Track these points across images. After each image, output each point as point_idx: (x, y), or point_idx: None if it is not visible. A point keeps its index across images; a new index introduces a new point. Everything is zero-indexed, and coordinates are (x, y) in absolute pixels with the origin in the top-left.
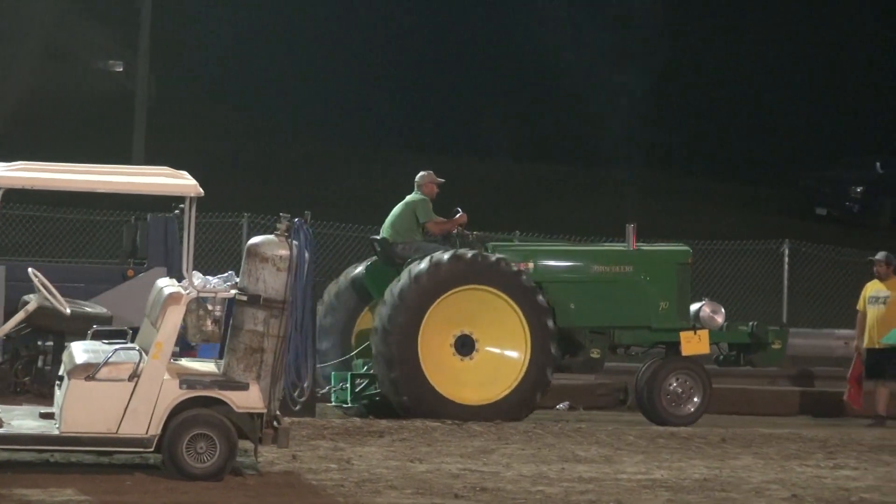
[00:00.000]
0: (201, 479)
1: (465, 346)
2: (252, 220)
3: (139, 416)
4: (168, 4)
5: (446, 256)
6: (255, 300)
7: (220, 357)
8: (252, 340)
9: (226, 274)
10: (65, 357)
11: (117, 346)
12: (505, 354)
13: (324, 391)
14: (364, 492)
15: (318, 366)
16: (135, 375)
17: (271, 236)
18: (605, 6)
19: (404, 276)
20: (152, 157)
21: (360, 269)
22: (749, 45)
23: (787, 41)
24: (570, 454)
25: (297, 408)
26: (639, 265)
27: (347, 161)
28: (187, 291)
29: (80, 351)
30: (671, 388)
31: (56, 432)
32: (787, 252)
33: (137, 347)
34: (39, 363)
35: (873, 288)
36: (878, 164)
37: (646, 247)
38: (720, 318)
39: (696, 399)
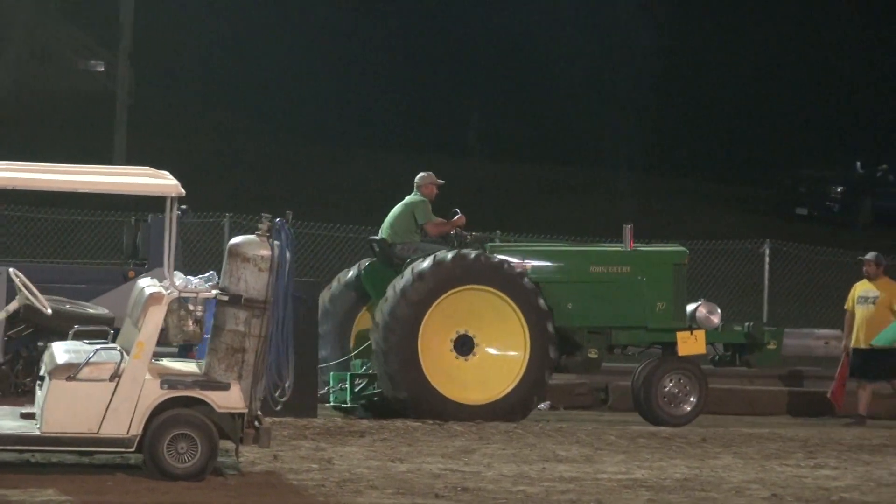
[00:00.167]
0: (182, 480)
1: (464, 345)
2: (233, 220)
3: (120, 416)
4: (149, 4)
5: (450, 255)
6: (236, 300)
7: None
8: (233, 340)
9: (207, 274)
10: (46, 357)
11: (99, 346)
12: (504, 354)
13: (323, 392)
14: (345, 492)
15: (319, 367)
16: (116, 375)
17: (253, 236)
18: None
19: (407, 274)
20: (133, 157)
21: (352, 272)
22: (729, 47)
23: (767, 42)
24: (550, 454)
25: (279, 407)
26: (636, 266)
27: (332, 161)
28: (169, 292)
29: (62, 351)
30: (667, 388)
31: (37, 432)
32: (767, 252)
33: (119, 347)
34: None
35: (862, 288)
36: (858, 163)
37: (643, 247)
38: (716, 319)
39: (692, 399)
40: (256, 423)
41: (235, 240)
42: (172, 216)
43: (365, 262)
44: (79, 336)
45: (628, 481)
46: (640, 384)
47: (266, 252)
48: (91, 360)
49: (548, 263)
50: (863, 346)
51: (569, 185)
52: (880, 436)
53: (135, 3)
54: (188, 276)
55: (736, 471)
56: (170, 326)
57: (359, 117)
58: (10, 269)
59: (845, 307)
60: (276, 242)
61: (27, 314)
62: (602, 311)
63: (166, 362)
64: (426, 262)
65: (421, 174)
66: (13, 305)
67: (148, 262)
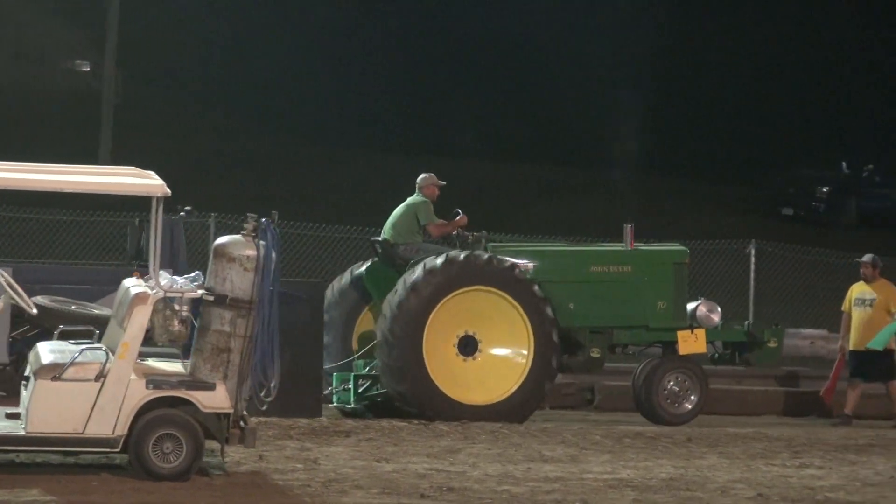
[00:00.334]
0: (168, 480)
1: (468, 346)
2: (219, 220)
3: (106, 417)
4: (135, 4)
5: (462, 255)
6: (221, 300)
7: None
8: (219, 340)
9: (193, 274)
10: (31, 357)
11: (84, 346)
12: (508, 353)
13: (326, 392)
14: (330, 492)
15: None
16: (101, 375)
17: (238, 236)
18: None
19: (419, 269)
20: (119, 157)
21: (362, 268)
22: (715, 48)
23: (755, 45)
24: (536, 454)
25: (264, 407)
26: (637, 265)
27: (328, 161)
28: (154, 291)
29: (47, 351)
30: (668, 387)
31: (22, 432)
32: (753, 252)
33: (104, 347)
34: None
35: (859, 290)
36: (843, 164)
37: (643, 247)
38: (716, 317)
39: (693, 398)
40: (242, 423)
41: (221, 240)
42: (158, 216)
43: (358, 267)
44: (64, 336)
45: (614, 481)
46: (641, 383)
47: (251, 252)
48: (76, 360)
49: (549, 263)
50: (860, 348)
51: (563, 186)
52: (866, 436)
53: (122, 3)
54: (174, 276)
55: (721, 470)
56: (155, 326)
57: (358, 117)
58: None
59: (842, 309)
60: (261, 242)
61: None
62: (603, 310)
63: (151, 362)
64: (439, 259)
65: (422, 175)
66: None
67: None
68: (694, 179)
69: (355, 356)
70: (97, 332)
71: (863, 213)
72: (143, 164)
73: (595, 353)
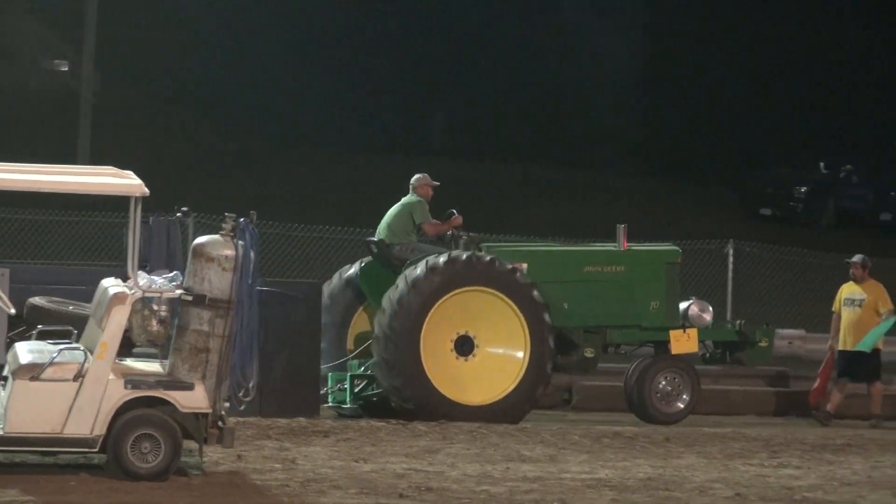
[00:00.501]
0: (146, 480)
1: (464, 346)
2: (198, 219)
3: (84, 417)
4: (114, 3)
5: (464, 255)
6: (200, 300)
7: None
8: (197, 340)
9: (171, 274)
10: (9, 357)
11: (62, 347)
12: (504, 354)
13: (322, 392)
14: (309, 492)
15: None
16: (80, 375)
17: (217, 236)
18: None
19: (420, 266)
20: (97, 157)
21: (351, 270)
22: (691, 47)
23: (730, 42)
24: (514, 454)
25: (243, 407)
26: (630, 265)
27: (314, 163)
28: (132, 291)
29: (25, 351)
30: (661, 386)
31: (0, 432)
32: (731, 252)
33: (83, 348)
34: None
35: (849, 290)
36: (821, 164)
37: (636, 247)
38: (708, 317)
39: (685, 397)
40: (220, 423)
41: (199, 240)
42: (136, 216)
43: (346, 270)
44: (42, 336)
45: (592, 481)
46: (633, 383)
47: (230, 252)
48: (55, 360)
49: (543, 263)
50: (849, 348)
51: (549, 186)
52: (844, 435)
53: (101, 2)
54: (152, 276)
55: (699, 470)
56: (133, 326)
57: (354, 118)
58: None
59: (832, 309)
60: (240, 242)
61: (31, 315)
62: (597, 310)
63: (130, 362)
64: (441, 258)
65: (416, 176)
66: None
67: (150, 264)
68: (672, 180)
69: (350, 356)
70: (75, 332)
71: (841, 213)
72: (122, 164)
73: (589, 353)
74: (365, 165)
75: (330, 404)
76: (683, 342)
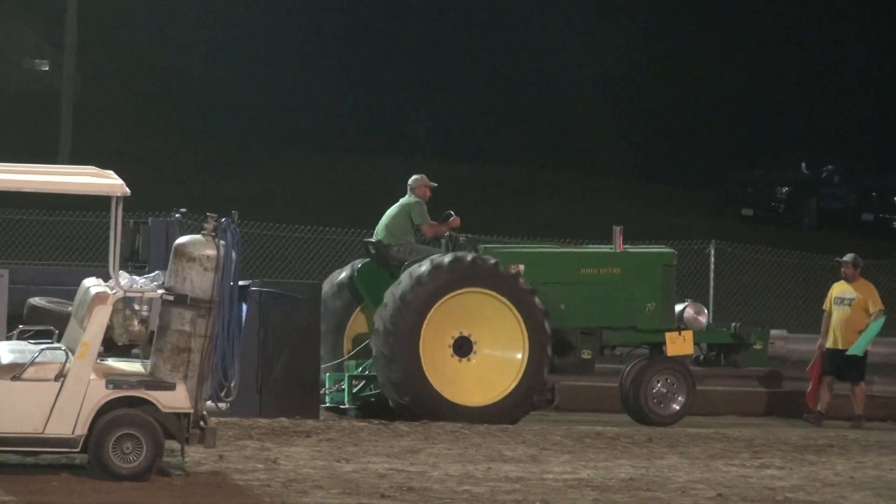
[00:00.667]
0: (128, 480)
1: (462, 347)
2: (180, 220)
3: (65, 416)
4: (94, 3)
5: (447, 259)
6: (181, 300)
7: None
8: (179, 340)
9: (153, 274)
10: None
11: (44, 346)
12: (502, 358)
13: (321, 392)
14: (291, 492)
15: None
16: (61, 375)
17: (198, 236)
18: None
19: (405, 279)
20: (78, 157)
21: (344, 273)
22: (673, 46)
23: (711, 42)
24: (496, 454)
25: (225, 407)
26: (626, 267)
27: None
28: (114, 291)
29: (6, 351)
30: (656, 388)
31: None
32: (713, 252)
33: (64, 347)
34: None
35: (839, 289)
36: (803, 164)
37: (632, 249)
38: (703, 319)
39: (680, 399)
40: (202, 423)
41: (181, 239)
42: (117, 216)
43: (337, 275)
44: (24, 336)
45: (574, 481)
46: (628, 384)
47: (212, 252)
48: (36, 360)
49: (541, 265)
50: (840, 346)
51: (548, 187)
52: (826, 436)
53: (81, 2)
54: (133, 276)
55: (681, 471)
56: (115, 326)
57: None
58: None
59: (823, 307)
60: (221, 242)
61: (31, 315)
62: (593, 312)
63: (111, 362)
64: (423, 267)
65: (414, 177)
66: None
67: (148, 265)
68: (654, 180)
69: (346, 357)
70: (56, 331)
71: (822, 213)
72: (103, 164)
73: (586, 355)
74: (364, 166)
75: (327, 404)
76: (679, 344)
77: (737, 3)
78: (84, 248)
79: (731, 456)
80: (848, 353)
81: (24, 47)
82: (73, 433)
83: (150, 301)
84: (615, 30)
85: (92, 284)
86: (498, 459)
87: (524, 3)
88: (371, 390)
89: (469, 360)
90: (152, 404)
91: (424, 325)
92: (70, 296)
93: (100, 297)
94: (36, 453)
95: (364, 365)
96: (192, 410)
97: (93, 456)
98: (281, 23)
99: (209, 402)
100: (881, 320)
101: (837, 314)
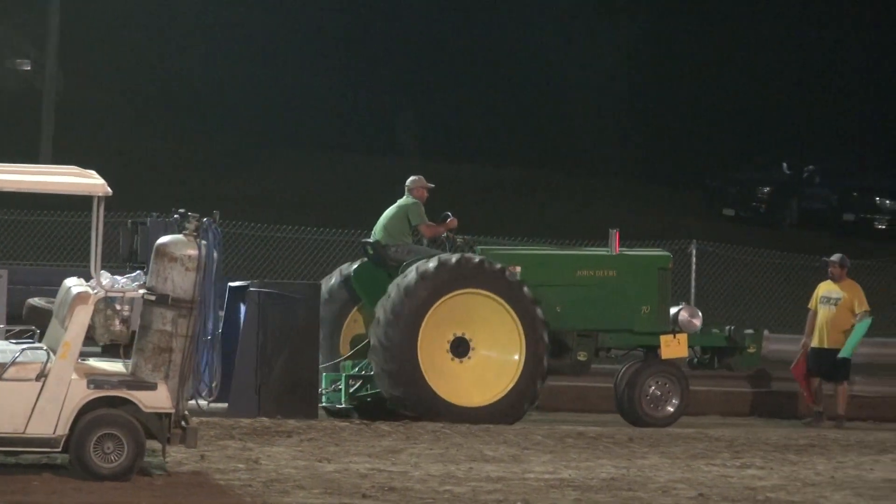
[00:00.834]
0: (109, 480)
1: (460, 348)
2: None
3: (47, 416)
4: (76, 1)
5: (454, 258)
6: (163, 300)
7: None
8: (160, 340)
9: (134, 273)
10: None
11: (25, 346)
12: (500, 353)
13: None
14: (272, 492)
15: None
16: (42, 375)
17: (180, 236)
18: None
19: (411, 273)
20: (60, 156)
21: (333, 280)
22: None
23: (694, 42)
24: (477, 454)
25: (207, 406)
26: (622, 269)
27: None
28: (95, 291)
29: None
30: (651, 390)
31: None
32: (694, 252)
33: (45, 347)
34: None
35: (826, 288)
36: (784, 164)
37: (628, 251)
38: (698, 322)
39: (674, 401)
40: (183, 423)
41: (162, 239)
42: (99, 215)
43: (329, 279)
44: (4, 336)
45: (555, 481)
46: (623, 386)
47: (193, 252)
48: (17, 359)
49: (537, 267)
50: (826, 346)
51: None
52: (806, 436)
53: (63, 1)
54: (115, 276)
55: (663, 470)
56: (96, 326)
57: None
58: None
59: (808, 306)
60: (203, 242)
61: (30, 316)
62: (589, 314)
63: (93, 362)
64: (431, 263)
65: (412, 178)
66: None
67: (147, 265)
68: (636, 180)
69: (343, 357)
70: (38, 331)
71: (803, 214)
72: (85, 164)
73: (582, 357)
74: (364, 166)
75: (323, 405)
76: (673, 347)
77: (737, 3)
78: (84, 248)
79: (713, 456)
80: (841, 355)
81: (6, 47)
82: (54, 433)
83: (132, 301)
84: (615, 30)
85: (73, 284)
86: (479, 459)
87: (524, 3)
88: (367, 390)
89: (467, 360)
90: (134, 404)
91: (420, 335)
92: None
93: (81, 297)
94: (17, 453)
95: (360, 365)
96: (173, 410)
97: (74, 456)
98: (281, 23)
99: (203, 404)
100: (867, 321)
101: (823, 313)
